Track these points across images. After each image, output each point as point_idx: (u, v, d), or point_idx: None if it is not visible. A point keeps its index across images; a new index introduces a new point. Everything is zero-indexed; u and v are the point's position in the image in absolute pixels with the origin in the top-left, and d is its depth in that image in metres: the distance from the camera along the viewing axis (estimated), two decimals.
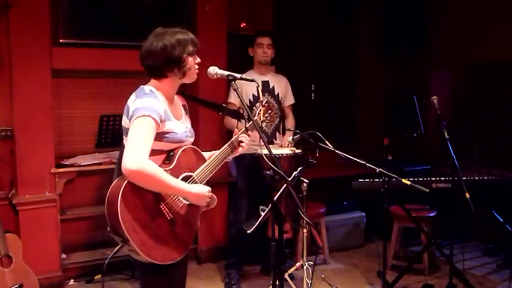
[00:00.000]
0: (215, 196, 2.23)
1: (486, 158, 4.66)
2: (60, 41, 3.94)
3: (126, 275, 3.97)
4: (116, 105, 4.10)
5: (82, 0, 4.04)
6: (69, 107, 4.19)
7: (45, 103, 3.76)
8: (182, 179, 2.09)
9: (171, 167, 2.05)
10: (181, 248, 2.08)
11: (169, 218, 2.03)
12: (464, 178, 3.22)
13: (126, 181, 1.92)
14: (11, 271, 3.27)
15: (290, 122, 4.10)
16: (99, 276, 3.97)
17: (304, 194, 3.22)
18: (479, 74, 4.94)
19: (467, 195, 3.08)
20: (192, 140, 2.23)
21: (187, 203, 2.11)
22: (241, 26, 4.79)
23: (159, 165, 2.02)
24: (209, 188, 2.13)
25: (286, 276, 3.38)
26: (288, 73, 4.28)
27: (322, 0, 5.45)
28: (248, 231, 2.51)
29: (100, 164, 3.97)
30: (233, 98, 3.90)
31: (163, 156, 2.09)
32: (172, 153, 2.10)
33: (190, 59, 2.12)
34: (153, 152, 2.00)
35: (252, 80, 2.30)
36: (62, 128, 4.16)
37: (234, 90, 2.21)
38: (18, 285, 3.27)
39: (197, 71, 2.18)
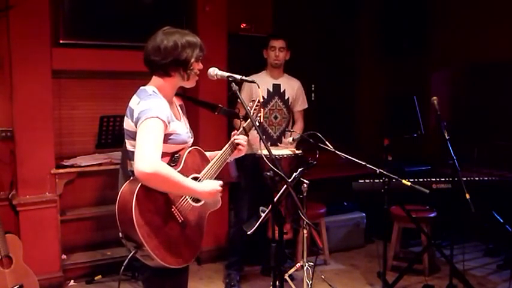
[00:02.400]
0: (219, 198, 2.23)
1: (486, 159, 4.65)
2: (60, 41, 3.94)
3: (126, 276, 3.97)
4: (116, 106, 4.12)
5: (82, 1, 4.04)
6: (69, 108, 4.19)
7: (46, 104, 3.76)
8: None
9: (178, 169, 2.02)
10: (193, 250, 2.07)
11: (180, 220, 2.01)
12: (465, 179, 3.22)
13: (138, 185, 1.88)
14: (11, 272, 3.27)
15: (297, 127, 4.05)
16: (99, 276, 3.98)
17: (304, 194, 3.22)
18: (479, 74, 4.94)
19: (468, 196, 3.07)
20: (192, 140, 2.20)
21: (197, 205, 2.10)
22: (241, 26, 4.79)
23: None
24: (221, 182, 2.11)
25: (286, 276, 3.39)
26: (287, 73, 4.26)
27: (322, 0, 5.45)
28: (248, 233, 2.51)
29: (100, 164, 3.98)
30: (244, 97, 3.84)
31: (167, 158, 2.04)
32: (177, 155, 2.07)
33: (196, 64, 2.10)
34: None
35: (253, 81, 2.29)
36: (62, 128, 4.16)
37: (234, 91, 2.20)
38: (18, 286, 3.27)
39: (197, 77, 2.15)
